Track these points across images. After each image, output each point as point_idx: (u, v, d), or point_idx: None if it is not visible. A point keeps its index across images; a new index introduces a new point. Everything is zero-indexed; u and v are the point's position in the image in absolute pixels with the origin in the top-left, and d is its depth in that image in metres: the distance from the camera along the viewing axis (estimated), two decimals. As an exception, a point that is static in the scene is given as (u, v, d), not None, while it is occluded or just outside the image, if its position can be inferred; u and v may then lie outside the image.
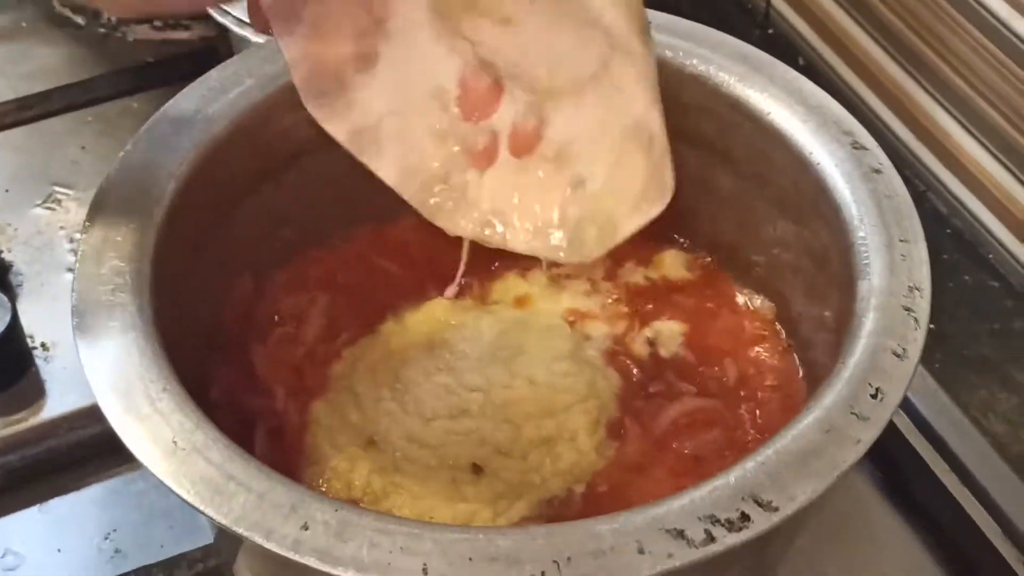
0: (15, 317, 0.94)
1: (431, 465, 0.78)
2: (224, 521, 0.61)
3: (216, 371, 0.83)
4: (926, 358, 0.95)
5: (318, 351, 0.85)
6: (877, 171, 0.76)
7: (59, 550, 0.87)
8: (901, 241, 0.73)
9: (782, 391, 0.83)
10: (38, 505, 0.89)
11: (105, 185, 0.76)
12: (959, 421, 0.94)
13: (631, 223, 0.72)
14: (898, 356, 0.68)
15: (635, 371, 0.84)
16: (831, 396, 0.66)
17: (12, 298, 0.99)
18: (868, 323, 0.69)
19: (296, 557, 0.60)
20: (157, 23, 1.21)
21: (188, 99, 0.81)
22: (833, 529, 0.88)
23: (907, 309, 0.70)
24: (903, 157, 1.09)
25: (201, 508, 0.62)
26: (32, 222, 1.06)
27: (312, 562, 0.60)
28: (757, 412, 0.82)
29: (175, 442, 0.64)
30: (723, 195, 0.87)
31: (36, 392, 0.95)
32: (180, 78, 0.86)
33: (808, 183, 0.78)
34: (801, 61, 1.21)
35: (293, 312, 0.87)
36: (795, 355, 0.85)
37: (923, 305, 0.70)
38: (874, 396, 0.66)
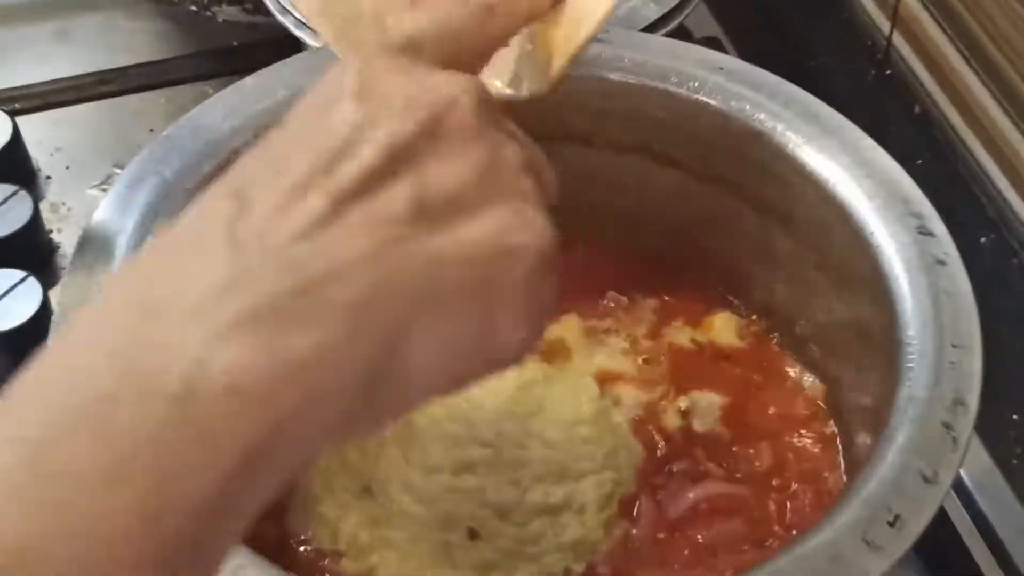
0: (45, 304, 0.92)
1: (425, 522, 0.73)
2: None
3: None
4: (1002, 451, 0.88)
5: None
6: (941, 262, 0.69)
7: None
8: (954, 346, 0.65)
9: (818, 486, 0.75)
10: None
11: (112, 191, 0.73)
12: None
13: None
14: (927, 480, 0.60)
15: (661, 444, 0.77)
16: (844, 516, 0.59)
17: (52, 282, 0.97)
18: (900, 437, 0.62)
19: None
20: (248, 5, 1.18)
21: (216, 107, 0.77)
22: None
23: (947, 426, 0.62)
24: (1011, 225, 1.00)
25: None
26: (88, 203, 1.03)
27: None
28: (787, 506, 0.75)
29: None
30: (780, 260, 0.80)
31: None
32: (258, 66, 0.82)
33: (865, 264, 0.71)
34: (917, 109, 1.12)
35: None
36: (839, 447, 0.78)
37: (965, 423, 0.62)
38: (891, 524, 0.59)
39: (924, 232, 0.70)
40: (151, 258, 0.43)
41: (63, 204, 1.04)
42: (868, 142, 0.75)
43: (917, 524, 0.59)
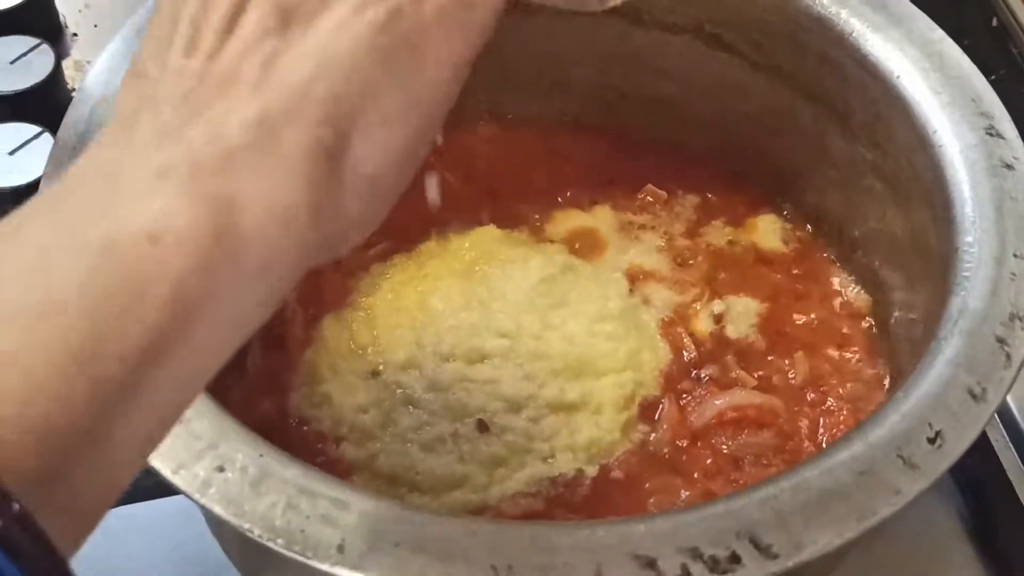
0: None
1: (434, 410, 0.69)
2: (134, 444, 0.53)
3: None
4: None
5: (344, 259, 0.75)
6: (1009, 166, 0.63)
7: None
8: (1015, 256, 0.60)
9: (856, 403, 0.70)
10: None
11: (115, 41, 0.68)
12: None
13: None
14: (974, 396, 0.55)
15: (690, 348, 0.72)
16: (878, 431, 0.54)
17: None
18: (949, 349, 0.57)
19: (202, 501, 0.52)
20: None
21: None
22: (899, 560, 0.76)
23: (1000, 340, 0.57)
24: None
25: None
26: (114, 64, 0.99)
27: (217, 511, 0.51)
28: (821, 422, 0.70)
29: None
30: (834, 160, 0.75)
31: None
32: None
33: (924, 166, 0.65)
34: (995, 21, 1.05)
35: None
36: (883, 363, 0.72)
37: (1022, 338, 0.57)
38: (932, 440, 0.54)
39: (992, 133, 0.64)
40: (87, 151, 0.42)
41: (88, 62, 1.00)
42: (938, 34, 0.69)
43: (959, 444, 0.54)
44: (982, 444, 0.76)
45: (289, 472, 0.53)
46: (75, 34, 1.02)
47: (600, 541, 0.51)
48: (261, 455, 0.53)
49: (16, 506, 0.33)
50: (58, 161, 0.63)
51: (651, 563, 0.50)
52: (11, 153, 0.88)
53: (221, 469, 0.53)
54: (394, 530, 0.51)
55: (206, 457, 0.53)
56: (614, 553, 0.50)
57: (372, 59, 0.41)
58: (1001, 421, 0.79)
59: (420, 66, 0.42)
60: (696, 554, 0.50)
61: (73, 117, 0.64)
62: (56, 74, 0.94)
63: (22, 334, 0.35)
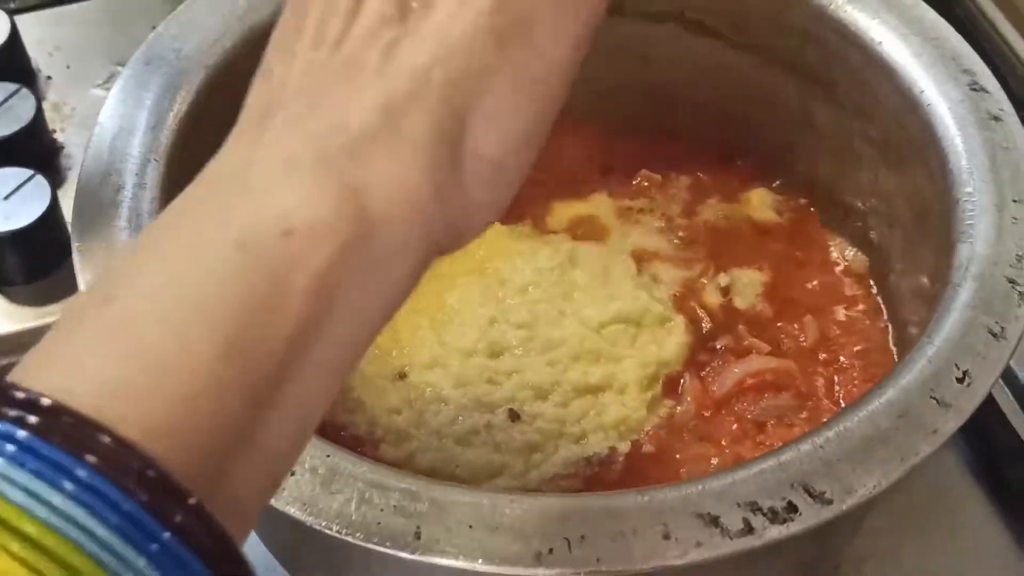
0: (55, 202, 0.89)
1: (463, 405, 0.71)
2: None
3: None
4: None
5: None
6: (996, 118, 0.66)
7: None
8: (1015, 202, 0.63)
9: (867, 359, 0.73)
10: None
11: (125, 72, 0.69)
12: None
13: None
14: (994, 335, 0.58)
15: (705, 320, 0.75)
16: (909, 375, 0.57)
17: (57, 183, 0.93)
18: (964, 294, 0.60)
19: (276, 505, 0.53)
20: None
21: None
22: (911, 509, 0.79)
23: (1012, 282, 0.60)
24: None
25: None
26: (91, 103, 1.00)
27: (293, 512, 0.53)
28: (836, 379, 0.73)
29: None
30: (822, 131, 0.77)
31: (72, 285, 0.89)
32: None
33: (915, 126, 0.68)
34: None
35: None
36: (887, 320, 0.75)
37: (1032, 277, 0.60)
38: (960, 380, 0.57)
39: (977, 88, 0.68)
40: (221, 152, 0.42)
41: (65, 104, 1.00)
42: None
43: (986, 380, 0.57)
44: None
45: (358, 469, 0.54)
46: (49, 77, 1.02)
47: (664, 504, 0.53)
48: (328, 455, 0.55)
49: (192, 500, 0.34)
50: (88, 194, 0.64)
51: (715, 520, 0.52)
52: (6, 198, 0.89)
53: (292, 472, 0.54)
54: (466, 514, 0.53)
55: (275, 463, 0.54)
56: (678, 514, 0.53)
57: (487, 42, 0.41)
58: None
59: (535, 46, 0.42)
60: (755, 507, 0.53)
61: (96, 152, 0.66)
62: (38, 117, 0.95)
63: (176, 340, 0.36)
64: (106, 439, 0.33)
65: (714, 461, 0.69)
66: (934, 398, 0.56)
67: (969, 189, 0.64)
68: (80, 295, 0.40)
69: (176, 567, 0.34)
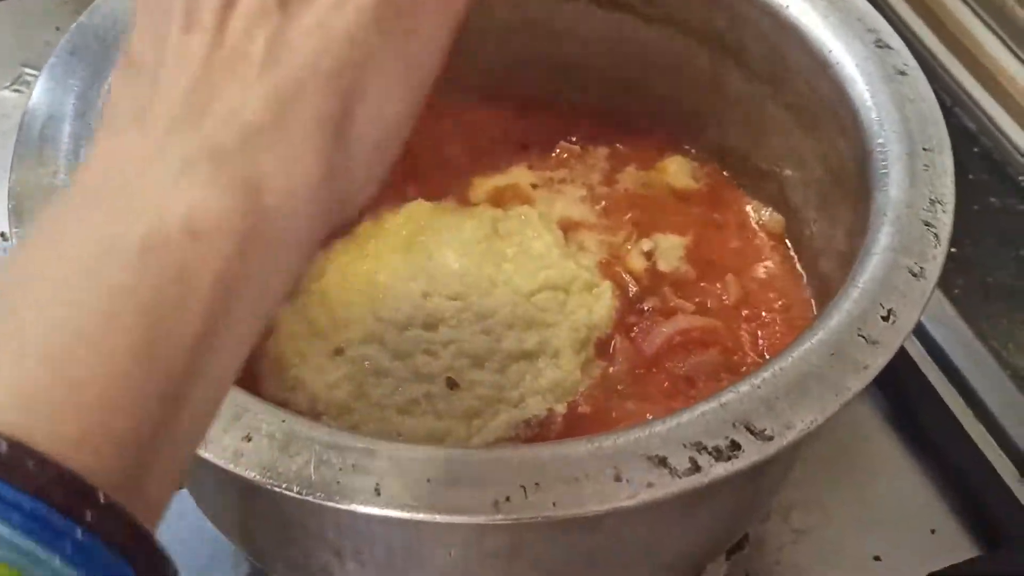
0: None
1: (403, 377, 0.72)
2: (159, 428, 0.55)
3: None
4: (945, 282, 0.90)
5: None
6: (902, 72, 0.69)
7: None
8: (925, 150, 0.66)
9: (787, 313, 0.76)
10: None
11: (51, 62, 0.70)
12: (977, 351, 0.88)
13: None
14: (914, 275, 0.61)
15: (630, 285, 0.77)
16: (838, 316, 0.60)
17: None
18: (883, 238, 0.63)
19: (236, 470, 0.54)
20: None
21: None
22: (832, 458, 0.83)
23: (927, 224, 0.63)
24: (930, 67, 1.02)
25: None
26: (2, 104, 1.00)
27: (254, 476, 0.54)
28: (759, 334, 0.76)
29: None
30: (733, 97, 0.80)
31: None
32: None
33: (825, 85, 0.71)
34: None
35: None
36: (804, 275, 0.78)
37: (945, 220, 0.63)
38: (885, 318, 0.59)
39: (882, 46, 0.71)
40: (97, 150, 0.42)
41: (-2, 89, 1.00)
42: (815, -36, 0.75)
43: (910, 317, 0.60)
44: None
45: (315, 432, 0.55)
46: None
47: (613, 448, 0.55)
48: (283, 420, 0.56)
49: (102, 497, 0.35)
50: (23, 181, 0.64)
51: (663, 460, 0.54)
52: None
53: (248, 438, 0.55)
54: (424, 468, 0.54)
55: (232, 430, 0.55)
56: (628, 456, 0.54)
57: (370, 30, 0.42)
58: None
59: (415, 31, 0.43)
60: (701, 447, 0.55)
61: (25, 138, 0.66)
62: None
63: (88, 345, 0.36)
64: (2, 446, 0.34)
65: (649, 417, 0.71)
66: (862, 336, 0.59)
67: (881, 140, 0.67)
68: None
69: (94, 564, 0.34)
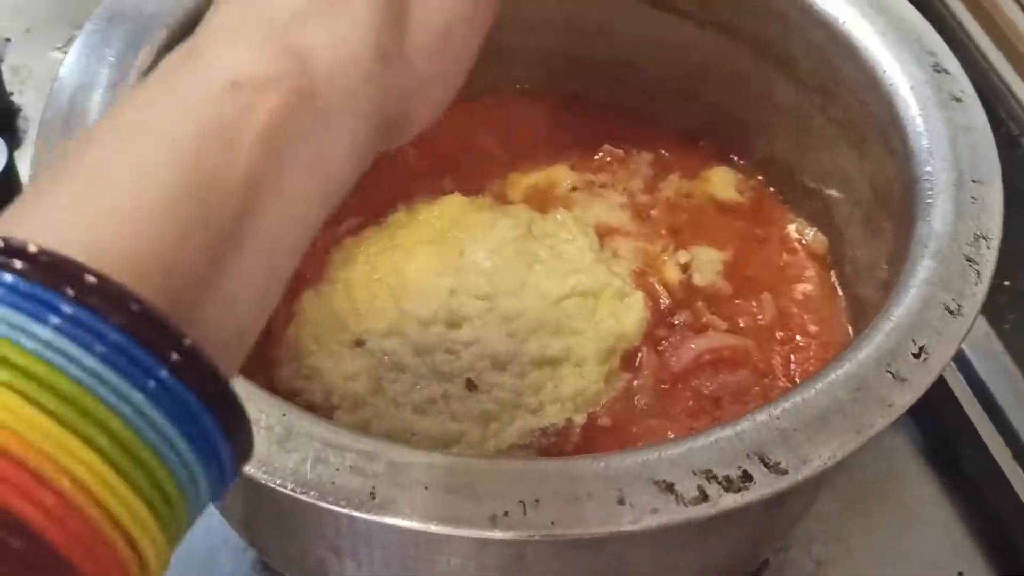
0: (11, 163, 0.88)
1: (421, 374, 0.70)
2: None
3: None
4: (995, 316, 0.87)
5: (317, 236, 0.77)
6: (958, 99, 0.67)
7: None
8: (973, 181, 0.63)
9: (823, 338, 0.74)
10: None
11: (87, 28, 0.69)
12: (1022, 391, 0.84)
13: None
14: (951, 312, 0.59)
15: (664, 296, 0.75)
16: (867, 350, 0.57)
17: (14, 144, 0.93)
18: (922, 271, 0.60)
19: (231, 463, 0.53)
20: None
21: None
22: (861, 489, 0.80)
23: (969, 260, 0.60)
24: (999, 94, 0.98)
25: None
26: (49, 66, 0.99)
27: (249, 470, 0.53)
28: (792, 358, 0.73)
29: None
30: (782, 109, 0.78)
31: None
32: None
33: (877, 104, 0.69)
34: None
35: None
36: (844, 300, 0.76)
37: (989, 257, 0.60)
38: (916, 355, 0.57)
39: (939, 70, 0.68)
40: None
41: (24, 67, 1.00)
42: (876, -23, 0.72)
43: (942, 356, 0.57)
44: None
45: (315, 428, 0.54)
46: (8, 39, 1.01)
47: (620, 470, 0.53)
48: (284, 414, 0.55)
49: (187, 340, 0.35)
50: (46, 151, 0.63)
51: (670, 487, 0.52)
52: (-35, 161, 0.88)
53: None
54: (422, 475, 0.53)
55: (231, 420, 0.54)
56: (634, 480, 0.53)
57: None
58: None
59: None
60: (711, 475, 0.53)
61: (54, 106, 0.65)
62: (-4, 79, 0.94)
63: (141, 183, 0.37)
64: (91, 278, 0.34)
65: (670, 435, 0.69)
66: (890, 372, 0.56)
67: (929, 168, 0.64)
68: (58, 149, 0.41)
69: (176, 404, 0.35)
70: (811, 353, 0.73)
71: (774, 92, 0.77)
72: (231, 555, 0.76)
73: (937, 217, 0.62)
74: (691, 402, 0.71)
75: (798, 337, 0.74)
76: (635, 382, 0.71)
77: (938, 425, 0.83)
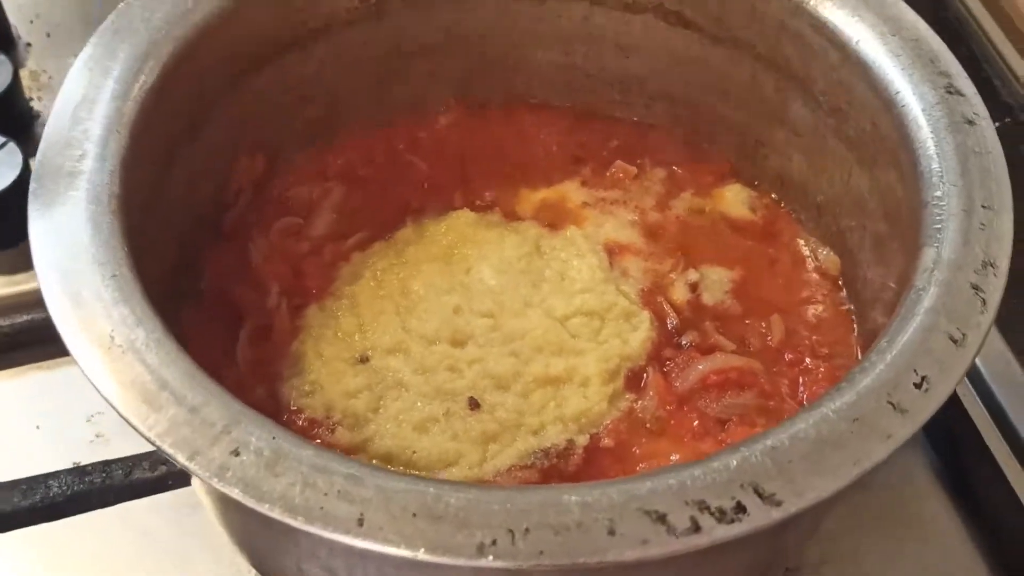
0: (27, 170, 0.88)
1: (424, 392, 0.70)
2: (148, 434, 0.54)
3: (211, 258, 0.76)
4: (1016, 340, 0.85)
5: (324, 250, 0.77)
6: (970, 122, 0.65)
7: (38, 427, 0.81)
8: (984, 207, 0.62)
9: (832, 362, 0.73)
10: (20, 377, 0.83)
11: (93, 40, 0.68)
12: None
13: None
14: (955, 341, 0.57)
15: (672, 316, 0.74)
16: (868, 378, 0.56)
17: (31, 150, 0.92)
18: (927, 299, 0.59)
19: (219, 486, 0.53)
20: None
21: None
22: (876, 514, 0.79)
23: (975, 288, 0.59)
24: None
25: (125, 416, 0.55)
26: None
27: (235, 494, 0.52)
28: (800, 380, 0.72)
29: (112, 336, 0.57)
30: (796, 127, 0.77)
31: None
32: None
33: (889, 126, 0.68)
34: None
35: (304, 201, 0.79)
36: (855, 322, 0.75)
37: (996, 285, 0.59)
38: (918, 386, 0.56)
39: (953, 92, 0.67)
40: None
41: (43, 72, 1.00)
42: (894, -1, 0.71)
43: (944, 387, 0.56)
44: (951, 398, 0.79)
45: (304, 452, 0.53)
46: (29, 44, 1.02)
47: (611, 500, 0.52)
48: (274, 437, 0.54)
49: None
50: (46, 162, 0.63)
51: (662, 518, 0.52)
52: (-22, 164, 0.88)
53: (236, 453, 0.53)
54: (410, 501, 0.52)
55: (221, 442, 0.54)
56: (625, 510, 0.52)
57: None
58: (968, 378, 0.81)
59: None
60: (703, 506, 0.52)
61: (57, 118, 0.65)
62: (15, 84, 0.94)
63: None
64: None
65: (674, 457, 0.69)
66: (891, 403, 0.55)
67: (938, 192, 0.63)
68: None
69: None
70: (820, 376, 0.72)
71: (789, 110, 0.76)
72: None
73: (945, 243, 0.61)
74: (696, 424, 0.70)
75: (807, 360, 0.73)
76: (639, 403, 0.71)
77: (954, 448, 0.82)
